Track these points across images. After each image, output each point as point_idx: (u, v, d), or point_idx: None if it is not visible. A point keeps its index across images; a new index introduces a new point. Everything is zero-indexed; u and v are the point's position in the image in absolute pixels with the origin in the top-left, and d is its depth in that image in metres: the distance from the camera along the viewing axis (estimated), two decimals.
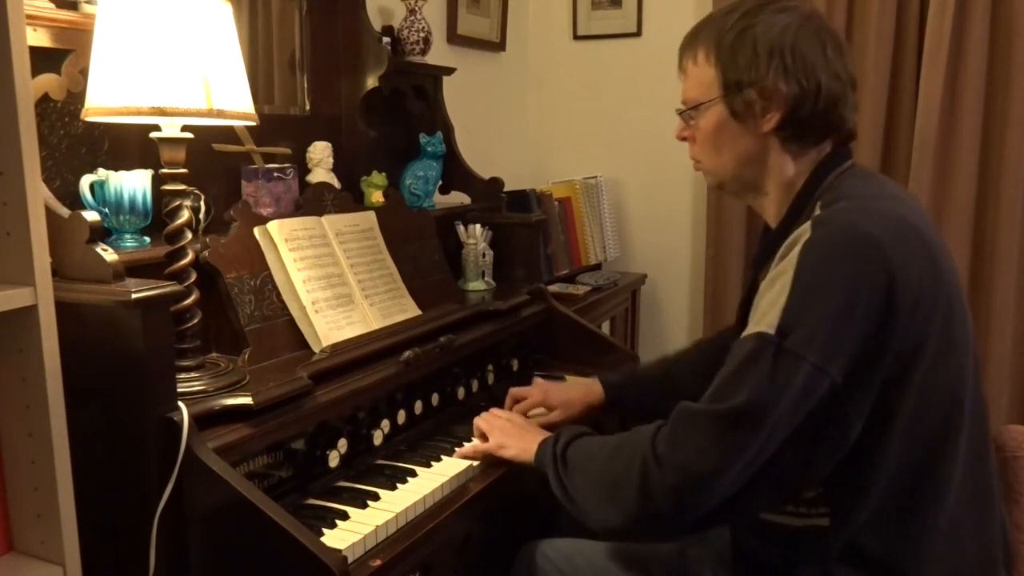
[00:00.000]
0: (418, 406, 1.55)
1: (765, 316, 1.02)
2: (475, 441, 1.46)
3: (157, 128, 1.20)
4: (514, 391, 1.63)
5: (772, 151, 1.17)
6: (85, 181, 1.32)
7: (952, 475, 1.06)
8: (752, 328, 1.04)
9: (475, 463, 1.42)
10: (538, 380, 1.69)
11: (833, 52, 1.14)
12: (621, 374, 1.63)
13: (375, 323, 1.59)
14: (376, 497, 1.28)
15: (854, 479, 1.05)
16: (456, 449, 1.46)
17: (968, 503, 1.08)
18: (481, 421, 1.46)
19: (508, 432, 1.40)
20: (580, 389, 1.61)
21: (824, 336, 0.98)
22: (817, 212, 1.09)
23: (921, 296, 1.01)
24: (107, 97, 1.15)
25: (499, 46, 2.99)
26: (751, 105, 1.14)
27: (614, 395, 1.58)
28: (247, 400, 1.19)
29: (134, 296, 1.06)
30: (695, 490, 1.01)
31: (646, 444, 1.06)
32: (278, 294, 1.47)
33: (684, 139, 1.25)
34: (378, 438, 1.44)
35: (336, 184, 1.78)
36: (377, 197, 1.84)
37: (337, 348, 1.46)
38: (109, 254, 1.12)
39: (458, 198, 2.26)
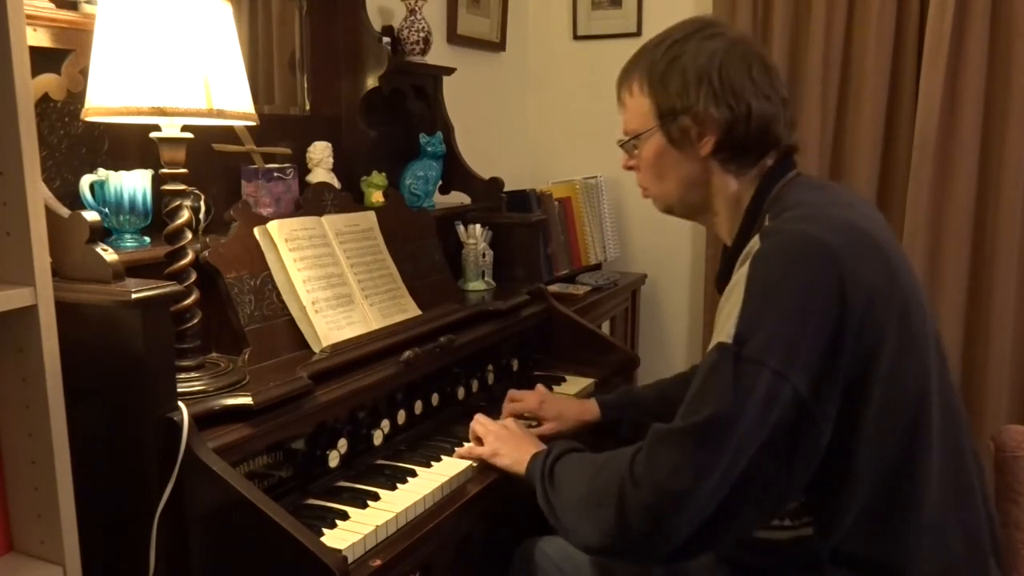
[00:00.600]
0: (418, 406, 1.55)
1: (723, 327, 1.03)
2: (470, 444, 1.46)
3: (157, 128, 1.20)
4: (513, 392, 1.63)
5: (714, 173, 1.20)
6: (85, 181, 1.32)
7: (929, 472, 1.07)
8: (713, 340, 1.05)
9: (475, 463, 1.42)
10: (538, 388, 1.69)
11: (759, 74, 1.17)
12: (617, 395, 1.63)
13: (375, 323, 1.59)
14: (376, 497, 1.28)
15: (833, 484, 1.05)
16: (456, 449, 1.46)
17: (949, 498, 1.08)
18: (477, 426, 1.46)
19: (503, 439, 1.40)
20: (576, 405, 1.61)
21: (781, 341, 0.99)
22: (766, 224, 1.11)
23: (875, 296, 1.02)
24: (107, 97, 1.15)
25: (499, 46, 2.99)
26: (686, 131, 1.17)
27: (610, 415, 1.59)
28: (247, 400, 1.19)
29: (134, 296, 1.06)
30: (670, 509, 1.00)
31: (624, 465, 1.06)
32: (278, 294, 1.47)
33: (630, 168, 1.29)
34: (378, 438, 1.44)
35: (336, 184, 1.78)
36: (377, 197, 1.84)
37: (337, 348, 1.46)
38: (109, 254, 1.12)
39: (458, 198, 2.26)
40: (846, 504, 1.05)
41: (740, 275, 1.05)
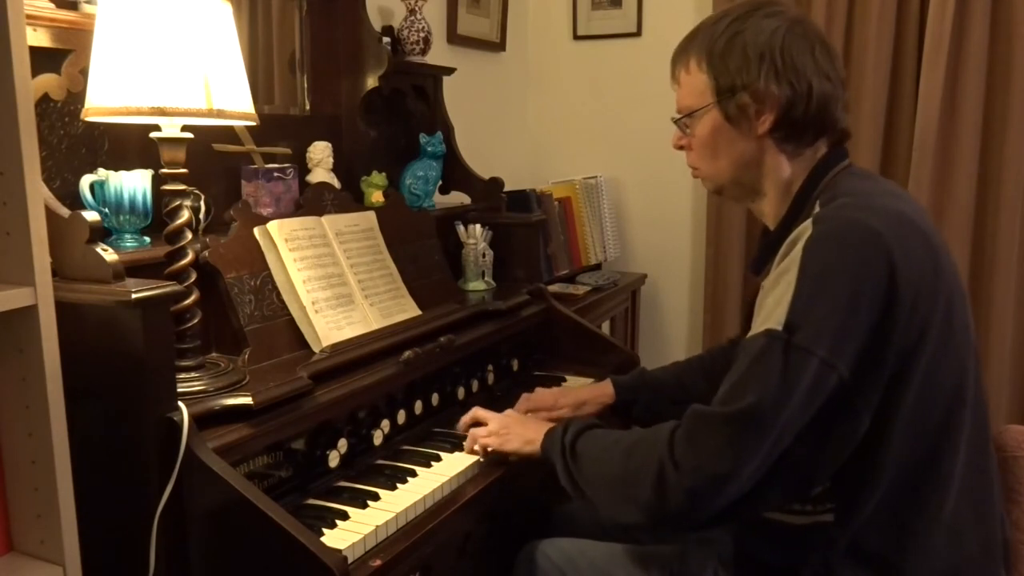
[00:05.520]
0: (418, 406, 1.55)
1: (772, 313, 1.03)
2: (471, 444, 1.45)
3: (157, 128, 1.20)
4: (527, 395, 1.63)
5: (768, 153, 1.19)
6: (85, 181, 1.32)
7: (954, 469, 1.07)
8: (760, 326, 1.04)
9: (479, 459, 1.41)
10: (553, 389, 1.69)
11: (821, 54, 1.16)
12: (632, 377, 1.64)
13: (375, 323, 1.59)
14: (376, 497, 1.28)
15: (858, 474, 1.06)
16: (458, 452, 1.45)
17: (969, 497, 1.09)
18: (479, 413, 1.46)
19: (508, 424, 1.41)
20: (592, 390, 1.62)
21: (832, 330, 0.99)
22: (816, 210, 1.11)
23: (921, 289, 1.02)
24: (107, 97, 1.15)
25: (499, 46, 2.99)
26: (745, 108, 1.16)
27: (626, 396, 1.60)
28: (247, 400, 1.19)
29: (134, 296, 1.06)
30: (710, 491, 1.02)
31: (663, 445, 1.07)
32: (278, 294, 1.47)
33: (681, 148, 1.28)
34: (378, 438, 1.44)
35: (336, 184, 1.78)
36: (377, 197, 1.84)
37: (337, 348, 1.46)
38: (109, 254, 1.12)
39: (458, 198, 2.26)
40: (869, 493, 1.06)
41: (791, 260, 1.04)
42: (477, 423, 1.47)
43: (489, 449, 1.41)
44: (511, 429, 1.39)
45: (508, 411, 1.49)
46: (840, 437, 1.03)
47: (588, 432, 1.23)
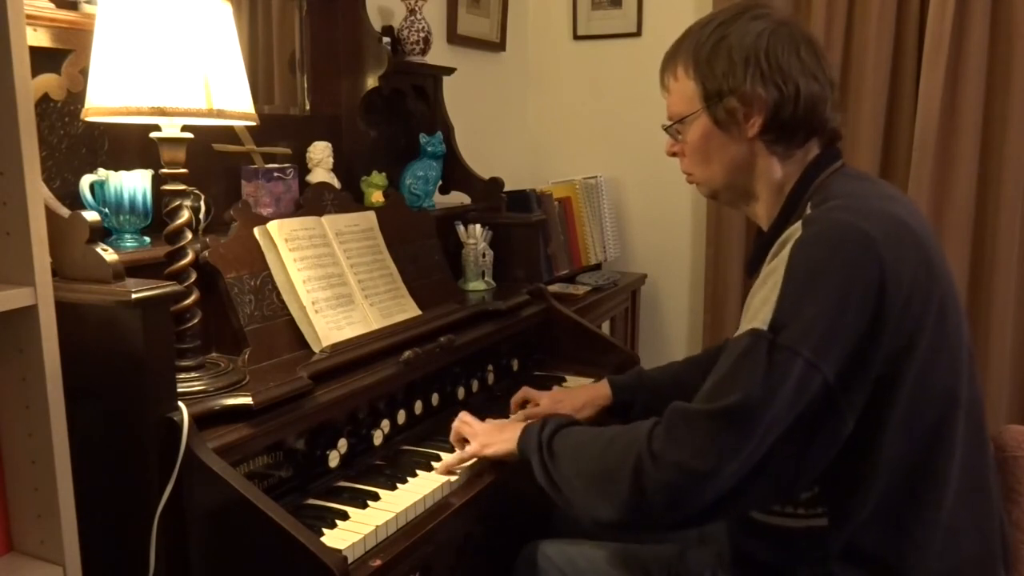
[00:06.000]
0: (418, 406, 1.55)
1: (758, 313, 1.03)
2: (456, 452, 1.43)
3: (157, 128, 1.20)
4: (528, 392, 1.63)
5: (759, 155, 1.19)
6: (85, 181, 1.32)
7: (950, 471, 1.07)
8: (745, 325, 1.04)
9: (479, 460, 1.41)
10: (551, 393, 1.69)
11: (808, 54, 1.16)
12: (629, 376, 1.63)
13: (375, 323, 1.59)
14: (376, 497, 1.28)
15: (852, 478, 1.05)
16: (443, 458, 1.42)
17: (966, 498, 1.08)
18: (463, 425, 1.44)
19: (489, 431, 1.39)
20: (590, 392, 1.61)
21: (817, 332, 0.99)
22: (808, 212, 1.10)
23: (913, 292, 1.02)
24: (107, 97, 1.15)
25: (499, 46, 2.99)
26: (733, 112, 1.16)
27: (623, 396, 1.59)
28: (247, 400, 1.19)
29: (134, 296, 1.06)
30: (689, 488, 1.01)
31: (641, 440, 1.05)
32: (278, 294, 1.47)
33: (674, 155, 1.28)
34: (378, 438, 1.44)
35: (336, 184, 1.78)
36: (377, 197, 1.84)
37: (337, 348, 1.46)
38: (109, 254, 1.12)
39: (458, 198, 2.26)
40: (864, 496, 1.05)
41: (779, 260, 1.04)
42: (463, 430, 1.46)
43: (467, 451, 1.40)
44: (491, 436, 1.38)
45: (488, 420, 1.46)
46: (823, 439, 1.02)
47: (566, 429, 1.22)
